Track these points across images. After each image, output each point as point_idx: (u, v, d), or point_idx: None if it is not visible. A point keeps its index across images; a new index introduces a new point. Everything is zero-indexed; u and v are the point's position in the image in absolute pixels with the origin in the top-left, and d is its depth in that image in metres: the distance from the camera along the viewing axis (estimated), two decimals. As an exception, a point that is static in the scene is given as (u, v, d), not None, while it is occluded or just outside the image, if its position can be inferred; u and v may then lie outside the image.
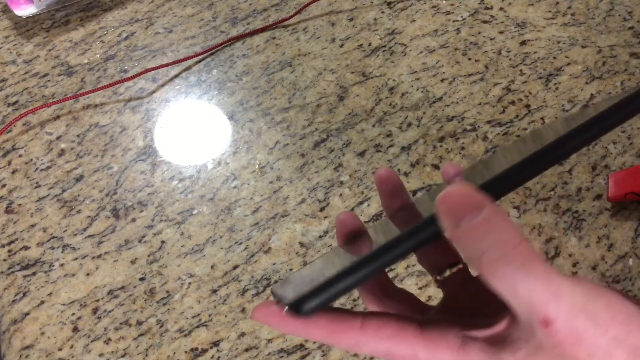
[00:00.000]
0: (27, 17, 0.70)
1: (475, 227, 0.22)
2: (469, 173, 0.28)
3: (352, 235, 0.30)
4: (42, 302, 0.53)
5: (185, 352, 0.50)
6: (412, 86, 0.64)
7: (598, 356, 0.22)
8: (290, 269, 0.54)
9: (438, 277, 0.30)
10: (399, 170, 0.59)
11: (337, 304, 0.25)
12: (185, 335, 0.51)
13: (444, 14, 0.70)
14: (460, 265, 0.30)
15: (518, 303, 0.22)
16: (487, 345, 0.24)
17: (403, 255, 0.24)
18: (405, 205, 0.31)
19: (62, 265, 0.54)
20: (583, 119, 0.24)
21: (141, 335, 0.51)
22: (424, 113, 0.62)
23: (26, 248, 0.55)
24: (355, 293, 0.52)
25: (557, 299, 0.22)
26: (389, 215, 0.31)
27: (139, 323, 0.52)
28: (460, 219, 0.22)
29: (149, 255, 0.55)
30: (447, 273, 0.30)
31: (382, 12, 0.71)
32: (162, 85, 0.66)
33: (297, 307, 0.24)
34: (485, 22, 0.69)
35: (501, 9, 0.70)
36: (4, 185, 0.59)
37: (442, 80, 0.65)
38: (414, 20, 0.70)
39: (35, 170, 0.60)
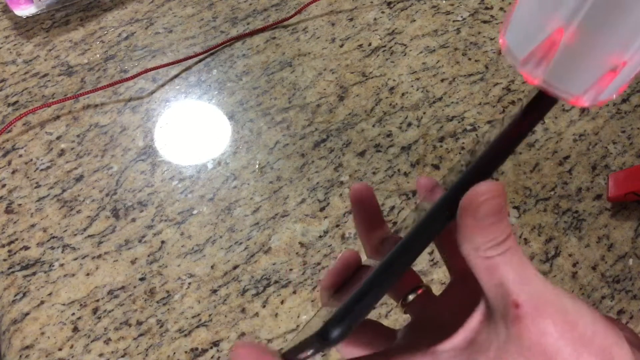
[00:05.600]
0: (27, 17, 0.70)
1: (489, 227, 0.23)
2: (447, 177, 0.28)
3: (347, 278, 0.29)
4: (42, 302, 0.53)
5: (185, 352, 0.50)
6: (412, 86, 0.64)
7: (565, 354, 0.23)
8: (290, 269, 0.54)
9: (403, 302, 0.31)
10: (398, 170, 0.59)
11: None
12: (185, 335, 0.51)
13: (444, 14, 0.70)
14: (423, 288, 0.31)
15: (492, 285, 0.23)
16: (458, 352, 0.25)
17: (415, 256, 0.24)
18: (386, 238, 0.30)
19: (62, 265, 0.54)
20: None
21: (141, 335, 0.51)
22: (424, 113, 0.62)
23: (26, 248, 0.55)
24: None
25: (527, 283, 0.23)
26: (369, 254, 0.31)
27: (139, 323, 0.52)
28: (482, 217, 0.23)
29: (149, 255, 0.55)
30: (411, 297, 0.30)
31: (382, 12, 0.71)
32: (162, 85, 0.66)
33: (327, 338, 0.23)
34: (485, 22, 0.69)
35: (501, 9, 0.70)
36: (4, 185, 0.59)
37: (442, 80, 0.65)
38: (414, 20, 0.70)
39: (35, 170, 0.60)
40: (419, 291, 0.30)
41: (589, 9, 0.20)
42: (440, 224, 0.24)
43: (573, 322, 0.23)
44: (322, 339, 0.23)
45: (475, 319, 0.24)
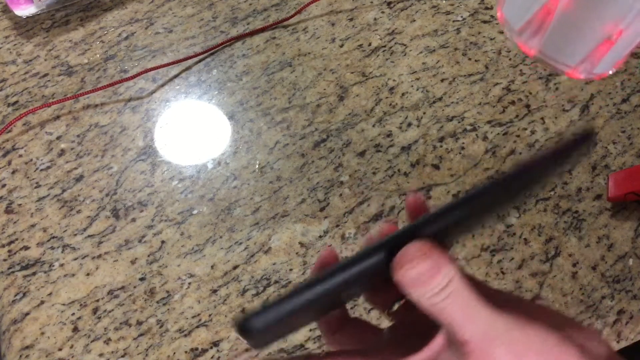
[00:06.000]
0: (27, 17, 0.70)
1: (425, 282, 0.24)
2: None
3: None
4: (42, 302, 0.53)
5: (185, 352, 0.50)
6: (412, 86, 0.64)
7: None
8: (290, 269, 0.54)
9: (388, 312, 0.32)
10: (399, 170, 0.59)
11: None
12: (185, 335, 0.51)
13: (444, 14, 0.70)
14: (406, 298, 0.32)
15: (444, 324, 0.25)
16: None
17: (344, 285, 0.25)
18: None
19: (62, 265, 0.54)
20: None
21: (141, 335, 0.51)
22: (424, 113, 0.62)
23: (26, 248, 0.55)
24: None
25: (472, 322, 0.24)
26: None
27: (139, 323, 0.52)
28: (415, 279, 0.24)
29: (149, 255, 0.55)
30: (396, 306, 0.32)
31: (382, 12, 0.71)
32: (162, 85, 0.66)
33: (245, 327, 0.24)
34: (485, 22, 0.69)
35: (501, 9, 0.70)
36: (4, 185, 0.59)
37: (442, 80, 0.65)
38: (414, 20, 0.70)
39: (35, 170, 0.60)
40: (402, 301, 0.32)
41: None
42: (376, 266, 0.25)
43: (521, 352, 0.24)
44: (239, 329, 0.24)
45: (437, 342, 0.26)
